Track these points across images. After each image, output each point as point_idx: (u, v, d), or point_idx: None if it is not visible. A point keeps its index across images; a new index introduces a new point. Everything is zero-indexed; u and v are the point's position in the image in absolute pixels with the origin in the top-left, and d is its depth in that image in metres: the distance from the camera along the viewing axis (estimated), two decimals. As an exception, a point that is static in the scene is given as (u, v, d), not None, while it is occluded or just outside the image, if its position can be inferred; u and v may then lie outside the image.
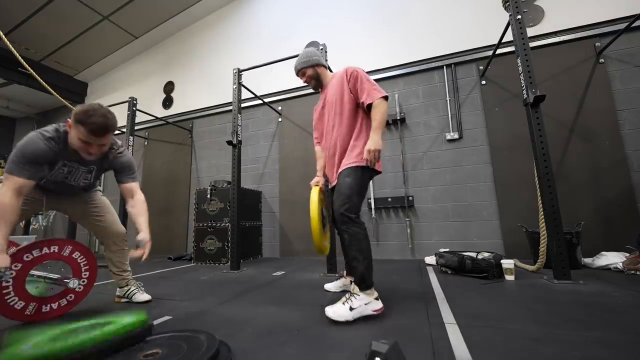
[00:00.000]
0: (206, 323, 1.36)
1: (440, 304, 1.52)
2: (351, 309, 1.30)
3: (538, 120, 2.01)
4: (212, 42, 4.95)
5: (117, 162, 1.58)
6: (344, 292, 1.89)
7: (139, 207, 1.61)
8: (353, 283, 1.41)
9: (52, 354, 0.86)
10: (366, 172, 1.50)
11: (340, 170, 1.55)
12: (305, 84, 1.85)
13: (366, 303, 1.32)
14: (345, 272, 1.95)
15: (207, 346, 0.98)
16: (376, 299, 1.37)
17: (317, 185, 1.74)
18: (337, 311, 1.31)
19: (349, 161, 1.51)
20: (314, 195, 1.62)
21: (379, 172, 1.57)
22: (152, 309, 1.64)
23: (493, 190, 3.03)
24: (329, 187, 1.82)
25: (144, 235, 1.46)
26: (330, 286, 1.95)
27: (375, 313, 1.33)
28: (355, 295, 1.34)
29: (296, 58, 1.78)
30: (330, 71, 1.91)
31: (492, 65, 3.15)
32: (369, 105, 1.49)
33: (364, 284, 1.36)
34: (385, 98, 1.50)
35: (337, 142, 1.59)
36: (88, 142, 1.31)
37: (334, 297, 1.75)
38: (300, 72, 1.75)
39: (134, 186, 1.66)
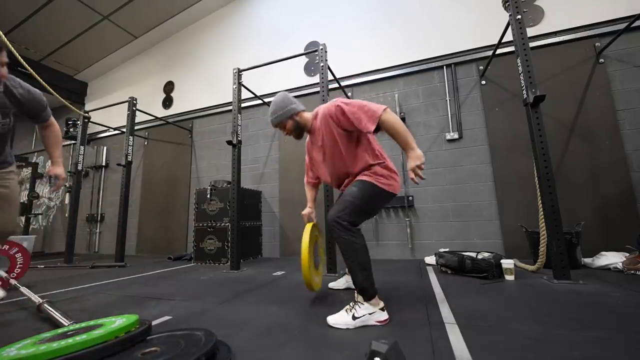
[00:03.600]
0: (206, 323, 1.36)
1: (440, 304, 1.52)
2: (354, 317, 1.25)
3: (538, 120, 2.01)
4: (212, 42, 4.95)
5: (25, 98, 1.49)
6: (347, 289, 1.90)
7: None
8: (356, 292, 1.36)
9: (36, 356, 0.85)
10: (377, 190, 1.42)
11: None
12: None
13: (370, 313, 1.27)
14: (347, 269, 1.95)
15: (204, 341, 0.98)
16: (382, 309, 1.30)
17: (310, 222, 1.75)
18: (340, 320, 1.27)
19: (361, 176, 1.46)
20: (306, 234, 1.60)
21: (394, 195, 1.49)
22: (151, 309, 1.64)
23: (493, 190, 3.04)
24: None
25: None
26: (334, 284, 1.97)
27: (379, 324, 1.27)
28: (359, 304, 1.30)
29: (270, 109, 1.62)
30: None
31: (492, 65, 3.15)
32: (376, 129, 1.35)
33: (366, 295, 1.31)
34: (385, 110, 1.34)
35: (347, 171, 1.53)
36: None
37: (335, 296, 1.75)
38: (279, 126, 1.62)
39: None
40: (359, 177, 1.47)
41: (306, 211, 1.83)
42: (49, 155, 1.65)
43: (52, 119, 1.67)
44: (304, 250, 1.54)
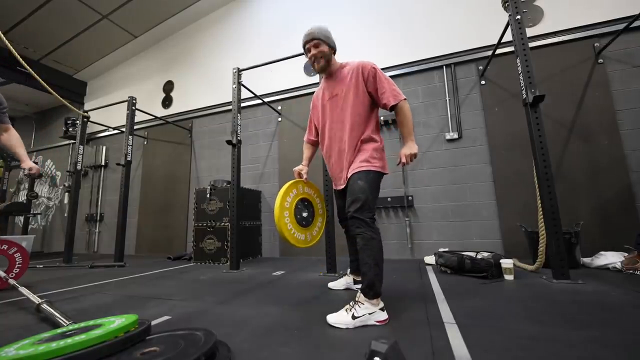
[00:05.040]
0: (205, 323, 1.36)
1: (439, 304, 1.52)
2: (354, 317, 1.26)
3: (537, 120, 2.01)
4: (211, 42, 4.94)
5: None
6: (347, 289, 1.90)
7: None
8: (359, 291, 1.36)
9: (35, 357, 0.84)
10: (377, 175, 1.47)
11: (350, 174, 1.50)
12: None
13: (370, 313, 1.28)
14: (349, 270, 1.95)
15: (204, 341, 0.98)
16: (382, 309, 1.31)
17: (299, 177, 1.82)
18: (339, 319, 1.27)
19: (358, 165, 1.47)
20: (284, 186, 1.74)
21: (386, 173, 1.53)
22: (151, 308, 1.64)
23: (492, 190, 3.04)
24: (334, 189, 1.76)
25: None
26: (334, 284, 1.96)
27: (378, 324, 1.27)
28: (359, 303, 1.30)
29: (314, 27, 1.52)
30: None
31: (492, 65, 3.15)
32: (391, 107, 1.46)
33: (371, 292, 1.31)
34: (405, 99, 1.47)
35: (346, 142, 1.52)
36: None
37: (335, 296, 1.75)
38: (313, 43, 1.52)
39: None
40: (357, 169, 1.46)
41: (297, 167, 1.84)
42: (18, 155, 1.89)
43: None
44: (277, 200, 1.66)
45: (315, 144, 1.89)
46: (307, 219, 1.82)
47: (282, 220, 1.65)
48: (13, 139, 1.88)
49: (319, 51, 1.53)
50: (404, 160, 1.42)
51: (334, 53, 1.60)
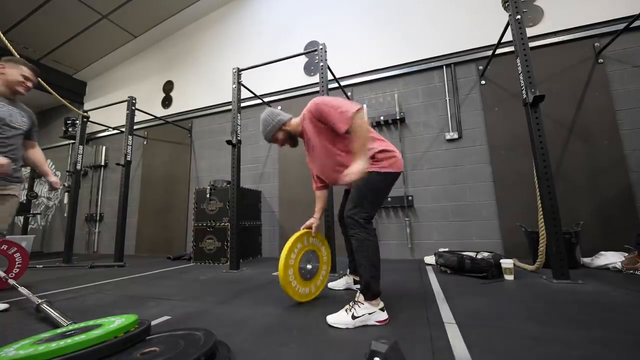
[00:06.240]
0: (205, 323, 1.36)
1: (439, 304, 1.52)
2: (354, 317, 1.26)
3: (537, 120, 2.01)
4: (211, 42, 4.94)
5: (33, 117, 1.92)
6: (347, 289, 1.90)
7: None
8: (359, 291, 1.36)
9: (34, 357, 0.84)
10: (380, 176, 1.42)
11: None
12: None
13: (370, 313, 1.28)
14: (349, 270, 1.95)
15: (204, 341, 0.98)
16: (382, 309, 1.31)
17: (307, 229, 1.72)
18: (339, 319, 1.27)
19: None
20: (290, 240, 1.62)
21: (400, 173, 1.48)
22: (151, 308, 1.64)
23: (492, 190, 3.04)
24: (345, 188, 1.83)
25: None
26: (334, 284, 1.96)
27: (378, 324, 1.27)
28: (359, 303, 1.30)
29: (261, 127, 1.67)
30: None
31: (492, 65, 3.15)
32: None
33: (369, 293, 1.31)
34: (358, 111, 1.35)
35: (345, 162, 1.49)
36: (28, 78, 1.78)
37: (335, 296, 1.75)
38: (272, 140, 1.68)
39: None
40: None
41: (308, 222, 1.76)
42: (44, 170, 2.03)
43: None
44: (282, 259, 1.56)
45: (324, 189, 1.85)
46: (311, 271, 1.75)
47: (286, 279, 1.59)
48: (38, 155, 2.01)
49: (280, 141, 1.68)
50: (346, 175, 1.29)
51: (285, 125, 1.63)
